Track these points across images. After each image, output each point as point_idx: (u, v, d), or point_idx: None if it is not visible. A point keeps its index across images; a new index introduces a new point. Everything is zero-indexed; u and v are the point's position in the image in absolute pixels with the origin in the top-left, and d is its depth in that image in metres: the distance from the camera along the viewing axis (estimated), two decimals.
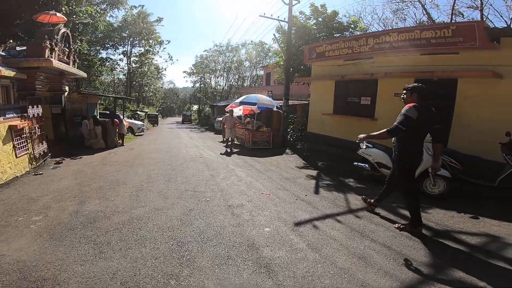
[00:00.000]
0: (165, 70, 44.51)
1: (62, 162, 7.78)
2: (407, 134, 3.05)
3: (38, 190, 5.05)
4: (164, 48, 34.53)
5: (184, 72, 48.68)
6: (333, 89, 9.36)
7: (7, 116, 6.37)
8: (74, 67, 10.06)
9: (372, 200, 3.96)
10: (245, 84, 41.79)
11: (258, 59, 38.77)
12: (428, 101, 3.18)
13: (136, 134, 16.32)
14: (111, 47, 28.67)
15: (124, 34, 29.57)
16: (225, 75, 42.85)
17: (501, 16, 20.39)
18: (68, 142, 9.94)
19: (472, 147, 5.53)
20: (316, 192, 5.05)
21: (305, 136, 10.66)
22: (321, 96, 9.86)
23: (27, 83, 7.58)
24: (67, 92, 10.51)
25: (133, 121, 17.88)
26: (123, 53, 31.03)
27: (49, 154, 8.40)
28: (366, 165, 5.81)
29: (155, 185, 5.18)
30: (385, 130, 3.12)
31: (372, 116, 7.88)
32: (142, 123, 18.99)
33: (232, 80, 43.63)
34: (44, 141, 7.91)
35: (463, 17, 15.32)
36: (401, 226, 3.36)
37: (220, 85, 44.93)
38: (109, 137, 10.66)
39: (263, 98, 11.14)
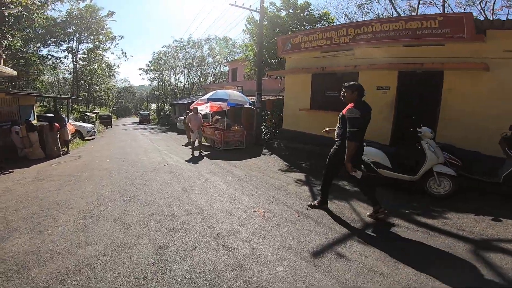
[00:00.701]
0: (118, 67, 40.81)
1: None
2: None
3: None
4: (117, 44, 31.78)
5: (140, 69, 45.09)
6: (310, 83, 8.76)
7: None
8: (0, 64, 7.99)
9: (316, 202, 4.01)
10: (208, 81, 40.07)
11: (222, 55, 37.26)
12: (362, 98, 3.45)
13: (86, 138, 14.11)
14: (53, 44, 25.34)
15: (69, 30, 26.14)
16: (186, 71, 40.50)
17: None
18: None
19: (459, 141, 5.37)
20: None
21: (281, 133, 9.93)
22: (297, 91, 9.20)
23: None
24: None
25: (81, 124, 15.45)
26: (67, 49, 27.46)
27: None
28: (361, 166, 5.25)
29: (110, 209, 3.93)
30: (348, 142, 3.27)
31: None
32: (93, 125, 16.55)
33: (194, 77, 41.46)
34: None
35: (416, 13, 15.96)
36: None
37: (181, 82, 42.47)
38: (48, 145, 8.74)
39: (234, 94, 10.12)
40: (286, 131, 9.58)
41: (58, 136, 9.10)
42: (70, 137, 11.82)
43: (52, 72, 28.81)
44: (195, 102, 11.30)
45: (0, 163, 7.69)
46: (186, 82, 41.24)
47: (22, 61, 19.35)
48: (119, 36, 32.02)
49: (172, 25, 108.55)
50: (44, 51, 25.34)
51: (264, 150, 8.99)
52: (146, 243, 2.96)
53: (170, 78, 43.74)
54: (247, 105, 10.06)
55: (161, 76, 43.21)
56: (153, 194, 4.59)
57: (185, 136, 14.30)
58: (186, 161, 7.59)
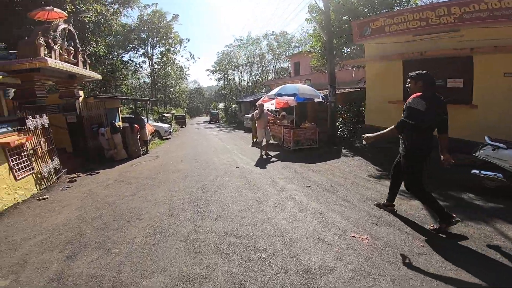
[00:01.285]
0: (188, 69, 43.88)
1: (75, 181, 6.54)
2: (415, 128, 2.81)
3: (28, 226, 3.83)
4: (185, 47, 33.86)
5: (207, 70, 47.56)
6: (401, 71, 7.17)
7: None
8: (85, 68, 8.85)
9: (385, 201, 3.54)
10: (269, 78, 39.77)
11: (280, 50, 36.34)
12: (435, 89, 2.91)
13: (164, 138, 15.17)
14: (132, 49, 28.35)
15: (143, 35, 28.98)
16: (248, 69, 41.01)
17: None
18: (87, 155, 8.82)
19: None
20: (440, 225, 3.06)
21: (362, 130, 8.52)
22: (383, 81, 7.69)
23: (25, 90, 6.41)
24: (81, 98, 9.41)
25: (159, 124, 16.75)
26: (143, 54, 30.52)
27: (64, 171, 7.24)
28: (498, 174, 3.78)
29: (180, 222, 3.53)
30: (393, 126, 2.96)
31: (468, 102, 5.87)
32: (169, 125, 17.82)
33: (256, 75, 41.66)
34: (55, 157, 6.72)
35: None
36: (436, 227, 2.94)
37: (244, 81, 43.31)
38: (130, 146, 9.38)
39: (303, 88, 9.13)
40: (369, 127, 8.15)
41: (138, 137, 9.72)
42: (149, 137, 12.83)
43: (133, 76, 32.24)
44: (261, 99, 10.75)
45: (91, 164, 8.66)
46: (249, 80, 41.76)
47: (109, 67, 21.97)
48: (186, 39, 33.80)
49: (232, 24, 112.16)
50: (126, 57, 28.36)
51: (343, 151, 7.80)
52: (219, 277, 2.35)
53: (234, 77, 45.03)
54: (318, 100, 8.95)
55: (226, 75, 44.80)
56: (226, 205, 4.07)
57: (249, 133, 14.07)
58: (256, 163, 7.01)
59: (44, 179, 6.13)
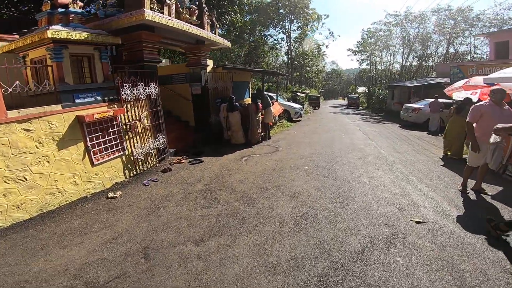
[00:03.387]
0: (327, 47, 39.44)
1: (170, 170, 5.08)
2: None
3: (58, 247, 2.54)
4: (323, 24, 30.12)
5: (349, 49, 41.42)
6: None
7: (80, 100, 3.98)
8: (214, 33, 7.29)
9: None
10: (429, 64, 29.70)
11: (457, 29, 25.47)
12: None
13: (293, 119, 12.95)
14: (271, 26, 27.18)
15: (281, 11, 27.22)
16: (403, 51, 32.05)
17: None
18: (209, 132, 7.61)
19: None
20: None
21: None
22: None
23: (133, 52, 5.29)
24: (209, 67, 8.15)
25: (290, 103, 14.53)
26: (282, 30, 28.96)
27: (171, 151, 6.08)
28: None
29: None
30: None
31: None
32: (301, 106, 15.29)
33: (412, 58, 32.03)
34: (160, 134, 5.51)
35: None
36: None
37: (397, 63, 34.64)
38: (250, 129, 7.45)
39: None
40: None
41: (260, 118, 7.64)
42: (276, 118, 10.79)
43: (272, 52, 31.76)
44: (458, 85, 6.27)
45: (204, 146, 7.37)
46: (405, 63, 32.80)
47: (252, 44, 21.66)
48: (324, 15, 30.10)
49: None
50: (268, 33, 27.88)
51: None
52: None
53: (381, 58, 36.86)
54: None
55: (371, 56, 37.37)
56: None
57: (415, 132, 9.40)
58: (464, 216, 3.15)
59: (139, 163, 4.94)
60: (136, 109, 4.91)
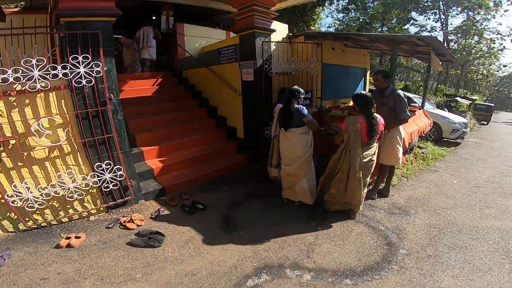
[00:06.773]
0: (504, 39, 26.87)
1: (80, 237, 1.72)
2: None
3: None
4: (506, 11, 20.66)
5: None
6: None
7: None
8: None
9: None
10: None
11: None
12: None
13: (451, 139, 7.23)
14: (414, 9, 20.77)
15: None
16: None
17: None
18: (257, 154, 4.07)
19: None
20: None
21: None
22: None
23: None
24: (279, 36, 4.47)
25: (445, 113, 8.41)
26: (434, 18, 21.26)
27: (152, 191, 2.79)
28: None
29: None
30: None
31: None
32: (464, 120, 8.75)
33: None
34: (110, 160, 2.32)
35: None
36: None
37: None
38: (339, 181, 3.01)
39: None
40: None
41: (375, 153, 2.99)
42: (415, 139, 5.51)
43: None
44: None
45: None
46: None
47: (385, 30, 17.67)
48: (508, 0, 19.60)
49: None
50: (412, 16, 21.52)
51: None
52: None
53: None
54: None
55: None
56: None
57: None
58: None
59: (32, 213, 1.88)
60: (27, 108, 1.89)
